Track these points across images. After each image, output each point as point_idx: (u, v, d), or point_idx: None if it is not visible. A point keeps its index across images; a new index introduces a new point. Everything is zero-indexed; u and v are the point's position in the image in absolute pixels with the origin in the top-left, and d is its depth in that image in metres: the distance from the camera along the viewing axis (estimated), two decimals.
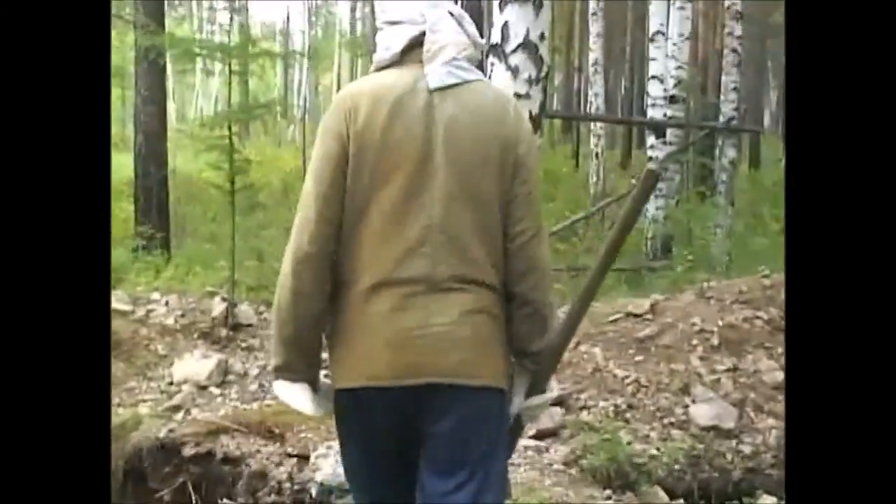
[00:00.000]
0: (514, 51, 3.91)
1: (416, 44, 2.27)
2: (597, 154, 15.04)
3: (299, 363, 2.31)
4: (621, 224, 2.31)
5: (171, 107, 34.46)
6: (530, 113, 3.93)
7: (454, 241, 2.19)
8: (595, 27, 15.16)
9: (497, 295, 2.26)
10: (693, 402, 5.30)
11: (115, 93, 17.33)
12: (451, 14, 2.32)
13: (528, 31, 3.91)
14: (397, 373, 2.17)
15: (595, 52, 15.27)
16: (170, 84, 32.35)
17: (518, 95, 3.89)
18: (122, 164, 11.57)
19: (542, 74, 3.95)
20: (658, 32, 10.79)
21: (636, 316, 6.50)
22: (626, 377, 5.68)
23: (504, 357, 2.31)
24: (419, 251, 2.18)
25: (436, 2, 2.32)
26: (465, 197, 2.20)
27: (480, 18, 12.71)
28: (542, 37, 3.95)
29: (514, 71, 3.91)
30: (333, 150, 2.20)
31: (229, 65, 6.40)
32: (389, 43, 2.31)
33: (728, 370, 5.56)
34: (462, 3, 11.36)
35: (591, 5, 15.09)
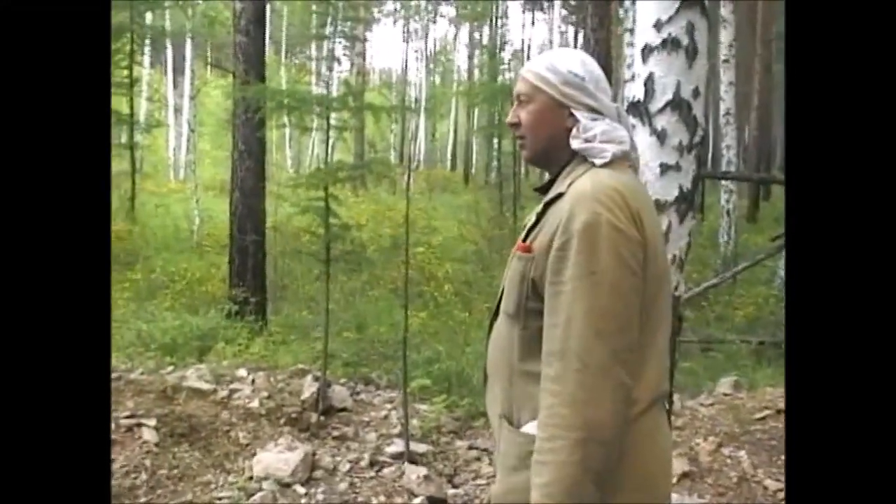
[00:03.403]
0: (662, 110, 3.11)
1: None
2: (728, 211, 14.06)
3: None
4: None
5: (289, 155, 34.85)
6: (681, 188, 3.13)
7: None
8: (727, 75, 14.28)
9: None
10: None
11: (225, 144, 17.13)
12: None
13: (678, 85, 3.11)
14: (668, 495, 2.10)
15: (727, 102, 14.37)
16: (287, 133, 32.86)
17: (665, 166, 3.10)
18: (223, 219, 11.22)
19: (697, 140, 3.14)
20: None
21: None
22: (780, 490, 4.87)
23: None
24: (667, 363, 2.12)
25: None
26: None
27: (609, 66, 12.08)
28: (696, 93, 3.14)
29: (661, 135, 3.12)
30: (640, 259, 1.94)
31: (327, 119, 5.78)
32: (616, 138, 2.10)
33: None
34: (589, 46, 10.59)
35: (723, 52, 14.20)
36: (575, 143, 2.08)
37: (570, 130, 2.10)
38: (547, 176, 2.22)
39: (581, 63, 2.13)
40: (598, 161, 2.05)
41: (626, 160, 2.11)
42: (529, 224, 2.10)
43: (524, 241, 2.06)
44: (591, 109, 2.10)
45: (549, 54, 2.19)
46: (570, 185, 2.02)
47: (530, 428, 1.98)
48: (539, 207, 2.09)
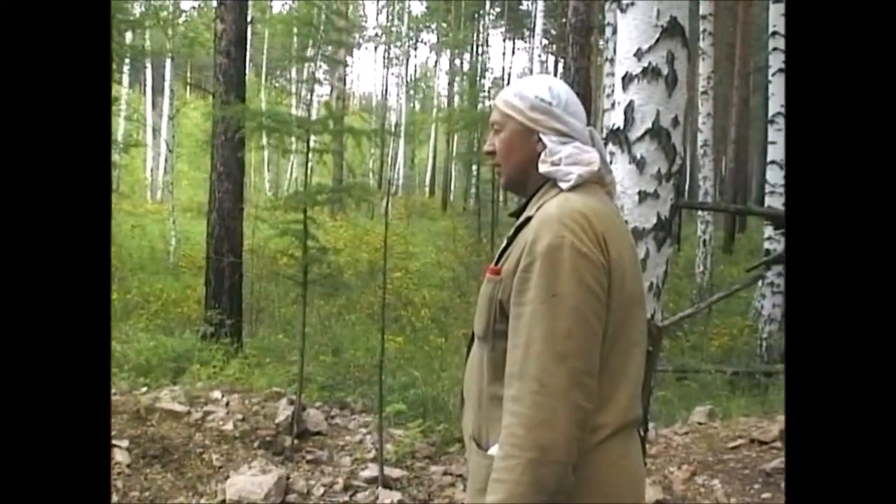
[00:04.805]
0: (641, 138, 3.14)
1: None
2: (704, 242, 14.15)
3: None
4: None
5: (267, 178, 34.79)
6: (659, 215, 3.15)
7: None
8: (705, 107, 14.41)
9: None
10: None
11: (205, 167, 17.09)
12: None
13: (658, 114, 3.13)
14: None
15: (704, 134, 14.49)
16: (265, 156, 32.83)
17: (644, 194, 3.12)
18: (199, 241, 11.19)
19: (675, 168, 3.16)
20: (779, 114, 9.97)
21: (762, 443, 5.61)
22: None
23: None
24: (638, 389, 2.06)
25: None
26: None
27: (588, 95, 12.20)
28: (675, 122, 3.17)
29: (640, 163, 3.14)
30: (603, 283, 1.92)
31: (308, 141, 5.78)
32: (584, 160, 2.08)
33: None
34: (569, 75, 10.65)
35: (702, 84, 14.34)
36: (542, 168, 2.09)
37: (541, 155, 2.10)
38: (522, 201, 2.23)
39: (548, 88, 2.14)
40: (563, 184, 2.05)
41: (598, 182, 2.12)
42: (501, 248, 2.10)
43: (496, 264, 2.06)
44: (560, 133, 2.10)
45: (518, 82, 2.20)
46: (538, 208, 2.03)
47: (496, 450, 1.96)
48: (511, 232, 2.09)
